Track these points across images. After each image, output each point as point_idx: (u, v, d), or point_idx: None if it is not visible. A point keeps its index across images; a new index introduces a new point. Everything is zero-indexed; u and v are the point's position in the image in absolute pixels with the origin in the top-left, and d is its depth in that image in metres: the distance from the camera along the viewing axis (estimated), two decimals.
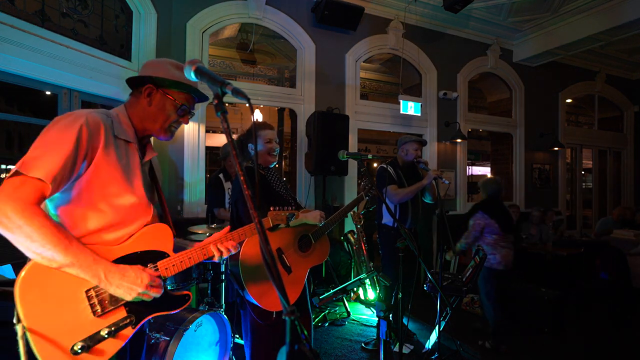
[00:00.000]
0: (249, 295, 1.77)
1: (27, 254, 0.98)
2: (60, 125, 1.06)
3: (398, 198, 3.04)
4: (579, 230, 7.21)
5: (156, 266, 1.19)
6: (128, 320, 1.12)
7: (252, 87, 4.86)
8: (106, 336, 1.06)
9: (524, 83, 6.39)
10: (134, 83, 1.29)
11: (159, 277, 1.17)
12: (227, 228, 1.41)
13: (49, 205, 1.10)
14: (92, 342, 1.04)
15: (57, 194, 1.07)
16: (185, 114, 1.32)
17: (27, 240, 0.95)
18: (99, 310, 1.06)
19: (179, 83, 1.26)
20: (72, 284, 1.04)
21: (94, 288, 1.06)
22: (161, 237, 1.26)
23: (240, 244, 1.59)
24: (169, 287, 1.24)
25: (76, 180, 1.08)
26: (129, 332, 1.12)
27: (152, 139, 1.39)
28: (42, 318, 0.99)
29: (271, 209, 1.65)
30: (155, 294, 1.13)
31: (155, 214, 1.30)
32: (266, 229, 1.63)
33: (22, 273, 0.98)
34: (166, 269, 1.21)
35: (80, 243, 1.04)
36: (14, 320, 1.00)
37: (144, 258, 1.18)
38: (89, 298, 1.06)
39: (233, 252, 1.35)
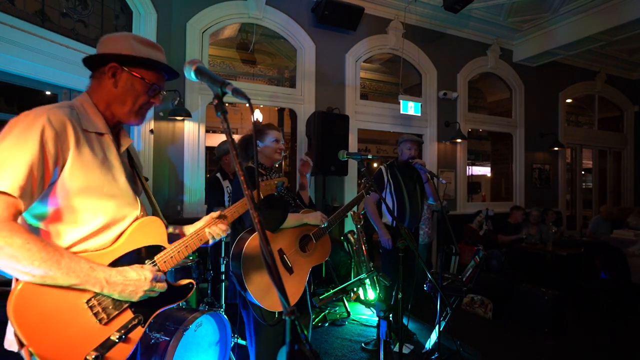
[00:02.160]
0: (250, 295, 1.77)
1: (15, 274, 0.90)
2: (18, 129, 0.93)
3: (368, 210, 3.16)
4: (579, 230, 7.21)
5: (154, 261, 1.15)
6: (136, 321, 1.09)
7: (252, 87, 4.86)
8: (117, 341, 1.03)
9: (524, 83, 6.39)
10: (94, 63, 1.14)
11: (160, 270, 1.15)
12: (218, 213, 1.37)
13: (27, 218, 1.01)
14: (104, 349, 1.01)
15: (34, 204, 0.96)
16: (156, 94, 1.19)
17: (11, 261, 0.86)
18: (104, 318, 1.02)
19: (147, 60, 1.14)
20: (69, 297, 0.97)
21: (94, 297, 1.01)
22: (153, 230, 1.19)
23: (233, 224, 1.57)
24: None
25: (51, 187, 0.98)
26: (139, 331, 1.09)
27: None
28: (47, 339, 0.93)
29: (259, 180, 1.66)
30: (161, 288, 1.10)
31: (142, 206, 1.22)
32: (260, 199, 1.62)
33: (12, 298, 0.90)
34: (164, 262, 1.17)
35: (72, 254, 0.97)
36: (11, 345, 0.96)
37: (140, 255, 1.13)
38: (91, 308, 1.01)
39: (223, 234, 1.32)
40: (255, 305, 1.81)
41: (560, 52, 5.96)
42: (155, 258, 1.15)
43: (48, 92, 3.04)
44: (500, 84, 6.44)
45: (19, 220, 0.93)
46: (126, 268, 1.06)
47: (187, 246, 1.23)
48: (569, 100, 7.17)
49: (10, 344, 0.96)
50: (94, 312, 1.01)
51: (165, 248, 1.20)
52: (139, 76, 1.13)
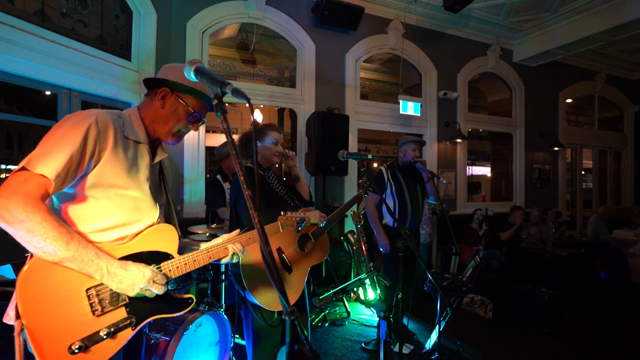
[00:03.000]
0: (250, 295, 1.77)
1: (29, 248, 0.98)
2: (68, 124, 1.06)
3: (367, 212, 3.14)
4: (579, 230, 7.21)
5: (159, 267, 1.18)
6: (128, 322, 1.10)
7: (252, 87, 4.86)
8: (105, 337, 1.05)
9: (524, 83, 6.39)
10: (151, 84, 1.29)
11: (162, 274, 1.16)
12: (237, 232, 1.42)
13: (55, 201, 1.11)
14: (90, 342, 1.03)
15: (64, 191, 1.07)
16: (196, 121, 1.31)
17: (28, 234, 0.94)
18: (98, 310, 1.05)
19: (194, 90, 1.26)
20: (73, 281, 1.03)
21: (94, 287, 1.05)
22: (166, 237, 1.24)
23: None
24: (170, 288, 1.24)
25: (83, 178, 1.08)
26: (128, 333, 1.10)
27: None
28: (41, 315, 0.97)
29: (282, 213, 1.61)
30: (158, 290, 1.12)
31: (161, 214, 1.30)
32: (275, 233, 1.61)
33: (25, 267, 0.98)
34: (169, 270, 1.20)
35: (82, 239, 1.03)
36: (10, 320, 0.99)
37: (149, 258, 1.17)
38: (89, 297, 1.04)
39: (239, 255, 1.36)
40: (254, 305, 1.81)
41: (560, 52, 5.95)
42: (162, 264, 1.19)
43: (48, 92, 3.03)
44: (500, 84, 6.44)
45: (47, 201, 1.01)
46: (129, 262, 1.10)
47: (195, 260, 1.26)
48: (569, 100, 7.17)
49: (10, 318, 1.01)
50: (90, 301, 1.04)
51: (173, 257, 1.23)
52: (183, 103, 1.25)
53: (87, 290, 1.04)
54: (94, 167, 1.09)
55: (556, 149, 6.53)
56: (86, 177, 1.08)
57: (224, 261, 1.34)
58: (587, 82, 7.18)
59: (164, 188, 1.38)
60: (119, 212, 1.14)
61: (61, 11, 3.07)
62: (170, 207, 1.40)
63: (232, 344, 2.36)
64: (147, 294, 1.11)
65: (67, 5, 3.12)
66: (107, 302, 1.07)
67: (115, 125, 1.14)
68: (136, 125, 1.23)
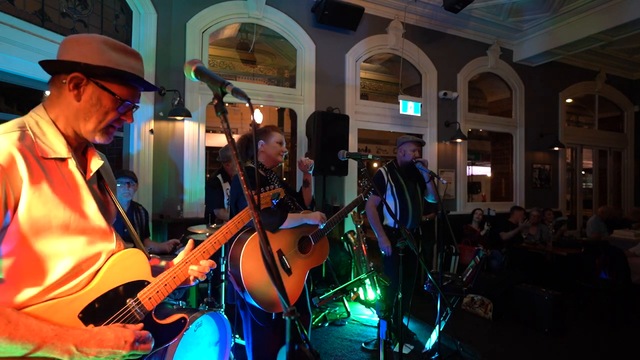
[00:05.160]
0: (249, 296, 1.77)
1: None
2: None
3: (368, 214, 3.13)
4: (579, 230, 7.21)
5: (137, 299, 0.99)
6: None
7: (252, 87, 4.86)
8: None
9: (524, 83, 6.39)
10: (53, 69, 0.96)
11: (144, 311, 0.99)
12: (191, 243, 1.16)
13: None
14: None
15: None
16: (128, 110, 1.00)
17: None
18: None
19: (119, 71, 0.94)
20: None
21: None
22: (133, 264, 1.02)
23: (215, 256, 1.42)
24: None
25: (2, 233, 0.82)
26: None
27: None
28: None
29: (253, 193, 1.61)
30: (144, 351, 0.93)
31: (118, 237, 1.03)
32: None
33: None
34: (149, 298, 1.00)
35: (30, 321, 0.80)
36: None
37: (121, 294, 0.97)
38: None
39: (206, 272, 1.13)
40: (253, 306, 1.81)
41: (560, 52, 5.95)
42: (138, 295, 1.00)
43: (48, 92, 3.03)
44: (500, 84, 6.44)
45: None
46: (103, 329, 0.89)
47: (175, 277, 1.07)
48: (569, 100, 7.17)
49: None
50: None
51: (149, 282, 1.03)
52: (107, 91, 0.94)
53: None
54: (13, 214, 0.82)
55: (556, 149, 6.53)
56: (8, 232, 0.82)
57: (194, 282, 1.13)
58: (587, 82, 7.18)
59: (111, 199, 1.08)
60: (68, 256, 0.89)
61: (61, 11, 3.08)
62: (125, 220, 1.12)
63: (232, 344, 2.36)
64: (132, 358, 0.92)
65: (67, 5, 3.12)
66: None
67: (22, 148, 0.83)
68: (50, 135, 0.91)
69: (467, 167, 6.12)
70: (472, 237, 5.21)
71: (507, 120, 6.41)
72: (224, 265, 2.84)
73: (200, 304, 2.67)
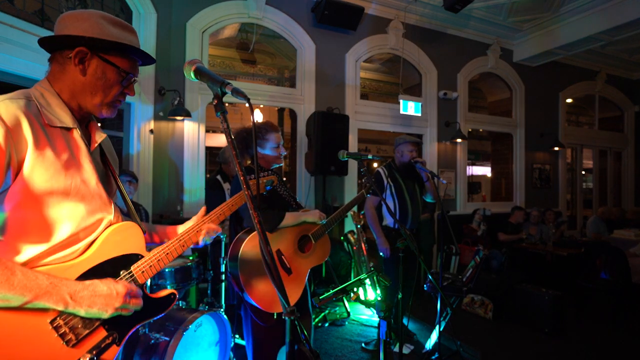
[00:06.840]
0: (248, 297, 1.76)
1: None
2: None
3: (367, 215, 3.14)
4: (579, 230, 7.21)
5: (130, 272, 1.02)
6: (110, 339, 0.96)
7: (252, 87, 4.86)
8: None
9: (524, 83, 6.39)
10: (56, 45, 0.97)
11: (137, 284, 1.02)
12: (203, 210, 1.29)
13: None
14: None
15: None
16: (131, 83, 1.05)
17: None
18: (72, 339, 0.89)
19: (121, 44, 0.98)
20: (29, 319, 0.85)
21: (59, 316, 0.88)
22: (129, 237, 1.05)
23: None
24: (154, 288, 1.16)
25: (4, 194, 0.85)
26: (114, 350, 0.97)
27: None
28: None
29: (249, 178, 1.63)
30: (136, 305, 0.97)
31: (117, 209, 1.07)
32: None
33: None
34: (142, 272, 1.04)
35: (27, 270, 0.84)
36: None
37: (115, 266, 1.00)
38: (57, 329, 0.88)
39: (214, 235, 1.23)
40: (253, 307, 1.81)
41: (561, 52, 5.95)
42: (132, 268, 1.03)
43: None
44: (501, 84, 6.44)
45: None
46: (95, 281, 0.93)
47: (168, 253, 1.10)
48: (569, 100, 7.17)
49: None
50: (59, 333, 0.88)
51: (143, 256, 1.07)
52: (111, 64, 0.98)
53: (51, 323, 0.88)
54: (16, 176, 0.84)
55: (556, 149, 6.53)
56: (10, 193, 0.85)
57: (200, 242, 1.20)
58: (587, 82, 7.18)
59: (112, 175, 1.12)
60: (68, 221, 0.92)
61: (61, 11, 3.08)
62: (125, 197, 1.16)
63: (232, 344, 2.36)
64: (124, 312, 0.95)
65: (67, 5, 3.12)
66: (79, 327, 0.91)
67: (28, 113, 0.86)
68: (55, 106, 0.94)
69: (467, 167, 6.11)
70: (472, 237, 5.21)
71: (507, 120, 6.41)
72: (224, 265, 2.84)
73: (200, 304, 2.67)
